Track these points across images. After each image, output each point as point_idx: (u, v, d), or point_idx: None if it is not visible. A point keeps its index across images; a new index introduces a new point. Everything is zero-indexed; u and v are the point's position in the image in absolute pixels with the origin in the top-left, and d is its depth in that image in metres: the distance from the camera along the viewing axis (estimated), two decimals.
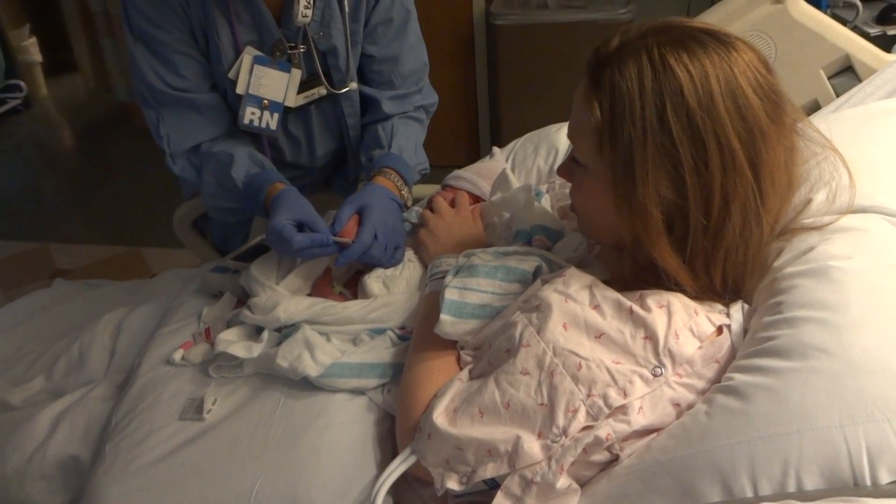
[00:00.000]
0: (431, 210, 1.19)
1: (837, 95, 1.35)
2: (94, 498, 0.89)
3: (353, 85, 1.34)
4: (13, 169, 3.77)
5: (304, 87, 1.31)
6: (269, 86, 1.26)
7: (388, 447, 0.91)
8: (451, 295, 0.89)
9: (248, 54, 1.24)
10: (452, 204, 1.20)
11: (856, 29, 1.80)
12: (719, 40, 0.75)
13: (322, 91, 1.32)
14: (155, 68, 1.22)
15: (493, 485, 0.80)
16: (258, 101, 1.27)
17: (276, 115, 1.29)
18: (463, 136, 3.09)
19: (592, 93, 0.78)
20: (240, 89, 1.25)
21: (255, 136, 1.35)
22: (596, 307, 0.78)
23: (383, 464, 0.87)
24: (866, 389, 0.64)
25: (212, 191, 1.26)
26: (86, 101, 4.31)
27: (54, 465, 1.02)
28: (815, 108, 1.38)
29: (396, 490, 0.88)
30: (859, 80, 1.35)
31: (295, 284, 1.10)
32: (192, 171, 1.28)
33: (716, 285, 0.80)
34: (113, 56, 3.85)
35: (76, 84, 4.35)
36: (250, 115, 1.27)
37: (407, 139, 1.34)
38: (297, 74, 1.28)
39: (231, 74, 1.25)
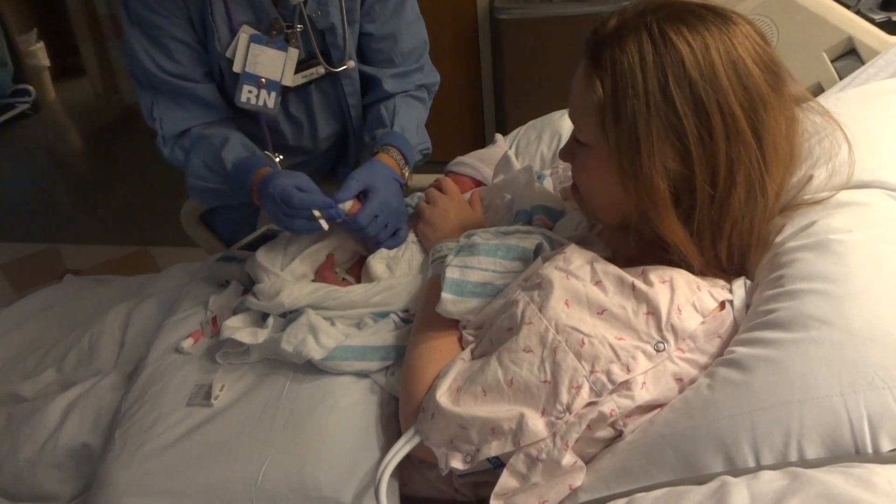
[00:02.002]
0: (427, 203, 1.20)
1: (840, 78, 1.35)
2: (105, 483, 0.90)
3: (352, 63, 1.35)
4: (23, 172, 3.81)
5: (302, 66, 1.33)
6: (266, 64, 1.27)
7: (392, 428, 0.92)
8: (452, 273, 0.90)
9: (245, 33, 1.26)
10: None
11: (860, 14, 1.79)
12: (717, 14, 0.75)
13: (321, 70, 1.33)
14: (150, 53, 1.24)
15: (498, 464, 0.80)
16: (255, 80, 1.28)
17: (273, 94, 1.30)
18: (468, 130, 3.09)
19: (593, 71, 0.78)
20: (236, 68, 1.27)
21: (253, 119, 1.36)
22: (598, 283, 0.78)
23: (388, 445, 0.88)
24: (867, 358, 0.65)
25: (199, 172, 1.27)
26: (94, 105, 4.34)
27: (66, 454, 1.04)
28: (818, 91, 1.37)
29: (402, 472, 0.89)
30: (862, 63, 1.35)
31: (299, 270, 1.11)
32: (182, 154, 1.29)
33: (721, 259, 0.80)
34: (120, 59, 3.87)
35: (84, 88, 4.38)
36: (247, 93, 1.28)
37: (409, 118, 1.35)
38: (294, 53, 1.29)
39: (228, 53, 1.26)
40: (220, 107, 1.33)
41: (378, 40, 1.36)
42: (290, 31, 1.28)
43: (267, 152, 1.36)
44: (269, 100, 1.30)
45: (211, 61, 1.29)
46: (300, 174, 1.14)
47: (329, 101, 1.42)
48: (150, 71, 1.25)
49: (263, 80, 1.28)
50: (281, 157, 1.38)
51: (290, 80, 1.31)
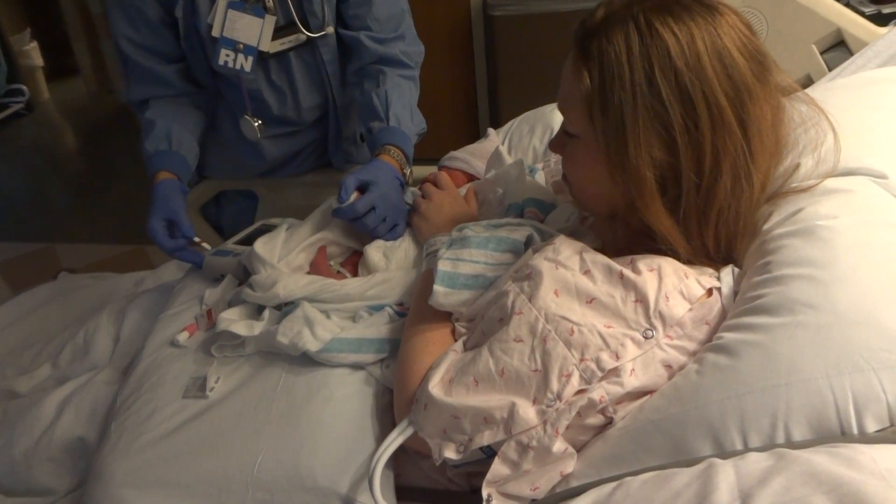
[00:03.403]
0: (422, 197, 1.22)
1: (830, 70, 1.36)
2: (101, 474, 0.90)
3: (330, 29, 1.41)
4: (17, 172, 3.81)
5: (281, 33, 1.38)
6: (243, 30, 1.33)
7: (387, 420, 0.92)
8: (444, 266, 0.90)
9: (223, 0, 1.31)
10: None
11: (850, 7, 1.81)
12: (703, 4, 0.76)
13: (301, 37, 1.39)
14: (119, 19, 1.34)
15: (490, 453, 0.81)
16: (232, 45, 1.34)
17: (250, 59, 1.36)
18: (462, 126, 3.09)
19: (581, 62, 0.79)
20: (215, 32, 1.33)
21: (234, 85, 1.42)
22: (586, 273, 0.78)
23: (382, 436, 0.88)
24: (852, 340, 0.65)
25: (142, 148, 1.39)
26: (87, 104, 4.34)
27: (61, 448, 1.04)
28: (807, 83, 1.38)
29: (396, 462, 0.90)
30: (851, 55, 1.36)
31: (296, 262, 1.12)
32: (141, 120, 1.43)
33: (708, 247, 0.81)
34: (114, 58, 3.87)
35: (78, 87, 4.39)
36: (224, 56, 1.35)
37: (402, 106, 1.38)
38: (271, 20, 1.34)
39: (209, 19, 1.33)
40: (178, 85, 1.42)
41: (354, 6, 1.41)
42: None
43: (246, 116, 1.45)
44: (247, 64, 1.36)
45: (187, 32, 1.35)
46: (172, 202, 1.26)
47: (309, 69, 1.46)
48: (118, 36, 1.35)
49: (241, 45, 1.34)
50: (260, 121, 1.46)
51: (268, 45, 1.36)
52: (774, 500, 0.55)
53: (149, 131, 1.37)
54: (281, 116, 1.50)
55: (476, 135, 3.13)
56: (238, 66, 1.35)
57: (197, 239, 1.25)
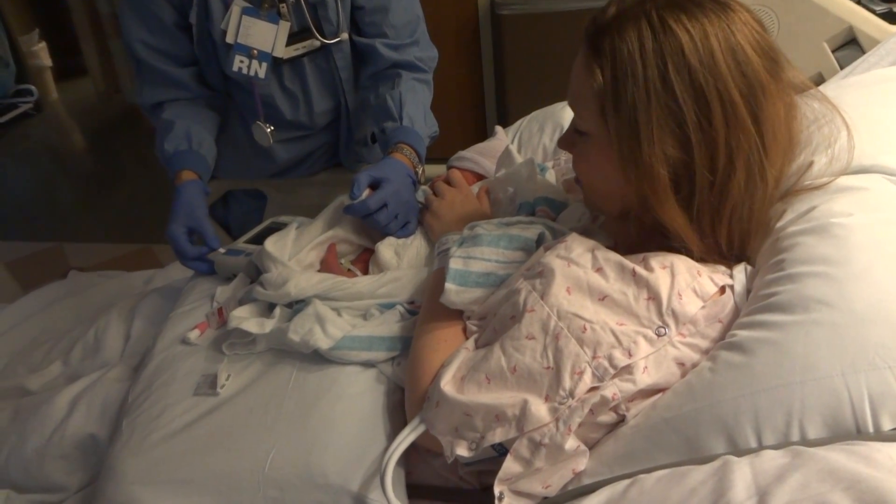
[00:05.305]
0: (435, 195, 1.22)
1: (841, 68, 1.35)
2: (113, 471, 0.91)
3: (344, 35, 1.40)
4: (26, 172, 3.82)
5: (295, 39, 1.38)
6: (258, 36, 1.33)
7: (398, 418, 0.92)
8: (455, 264, 0.90)
9: (237, 6, 1.32)
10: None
11: (861, 5, 1.80)
12: (716, 1, 0.76)
13: (315, 43, 1.39)
14: (133, 23, 1.35)
15: (502, 451, 0.81)
16: (247, 51, 1.34)
17: (264, 65, 1.36)
18: (470, 127, 3.09)
19: (593, 59, 0.79)
20: (229, 39, 1.33)
21: (247, 91, 1.42)
22: (598, 270, 0.78)
23: (394, 434, 0.88)
24: (868, 339, 0.65)
25: (158, 148, 1.39)
26: (96, 104, 4.35)
27: (73, 445, 1.05)
28: (819, 81, 1.38)
29: (408, 461, 0.90)
30: (863, 53, 1.35)
31: (307, 260, 1.12)
32: (155, 123, 1.42)
33: (721, 245, 0.80)
34: (122, 58, 3.89)
35: (86, 87, 4.39)
36: (239, 63, 1.35)
37: (416, 107, 1.38)
38: (285, 26, 1.34)
39: (223, 25, 1.33)
40: (192, 88, 1.41)
41: (370, 13, 1.41)
42: (281, 4, 1.32)
43: (258, 122, 1.44)
44: (261, 70, 1.36)
45: (200, 37, 1.35)
46: (195, 208, 1.25)
47: (322, 74, 1.46)
48: (132, 40, 1.35)
49: (255, 51, 1.34)
50: (272, 127, 1.45)
51: (282, 52, 1.36)
52: (792, 497, 0.55)
53: (167, 132, 1.36)
54: (293, 121, 1.50)
55: (484, 133, 3.14)
56: (252, 73, 1.35)
57: (221, 249, 1.22)
